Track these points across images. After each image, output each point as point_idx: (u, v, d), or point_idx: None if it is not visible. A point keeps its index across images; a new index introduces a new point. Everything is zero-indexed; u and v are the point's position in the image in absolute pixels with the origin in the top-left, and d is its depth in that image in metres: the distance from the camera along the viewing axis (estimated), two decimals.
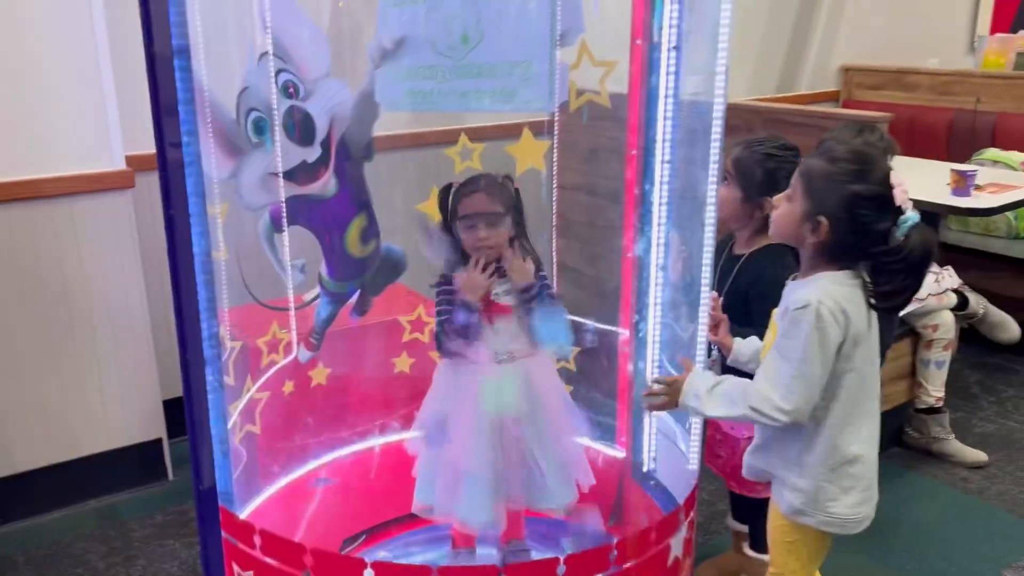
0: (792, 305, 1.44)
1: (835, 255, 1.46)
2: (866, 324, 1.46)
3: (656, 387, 1.60)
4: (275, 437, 2.10)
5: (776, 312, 1.54)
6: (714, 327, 1.76)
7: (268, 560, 1.55)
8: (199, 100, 1.56)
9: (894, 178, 1.41)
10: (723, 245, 2.04)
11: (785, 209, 1.50)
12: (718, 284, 2.06)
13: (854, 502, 1.52)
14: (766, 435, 1.58)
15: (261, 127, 1.83)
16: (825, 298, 1.41)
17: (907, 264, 1.39)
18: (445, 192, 1.83)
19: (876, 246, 1.41)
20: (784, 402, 1.43)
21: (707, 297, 1.87)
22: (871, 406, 1.53)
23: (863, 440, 1.51)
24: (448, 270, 1.85)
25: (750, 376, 1.54)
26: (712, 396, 1.50)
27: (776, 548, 1.62)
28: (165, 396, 2.68)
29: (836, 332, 1.42)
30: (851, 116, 2.78)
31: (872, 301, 1.46)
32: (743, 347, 1.72)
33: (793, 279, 1.53)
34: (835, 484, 1.50)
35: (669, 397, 1.56)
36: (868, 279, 1.46)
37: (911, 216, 1.40)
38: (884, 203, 1.40)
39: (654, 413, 1.64)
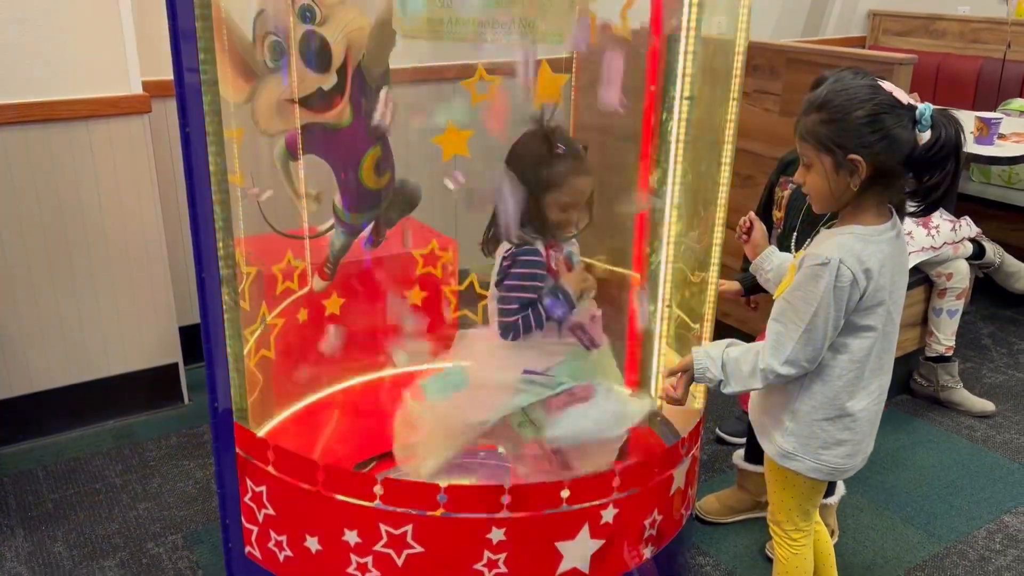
0: (812, 260, 1.42)
1: (881, 184, 1.40)
2: (889, 281, 1.43)
3: (670, 382, 1.60)
4: (289, 363, 2.14)
5: (798, 257, 1.52)
6: (746, 233, 1.74)
7: (281, 476, 1.60)
8: (215, 20, 1.55)
9: (883, 84, 1.38)
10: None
11: (813, 178, 1.44)
12: (789, 213, 2.06)
13: (845, 453, 1.52)
14: None
15: (277, 51, 1.83)
16: (847, 256, 1.39)
17: (947, 148, 1.35)
18: (541, 142, 1.64)
19: (913, 149, 1.36)
20: (785, 367, 1.44)
21: (720, 239, 1.88)
22: (886, 362, 1.52)
23: (869, 395, 1.50)
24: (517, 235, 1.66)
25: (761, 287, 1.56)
26: (725, 375, 1.51)
27: (771, 487, 1.64)
28: (181, 323, 2.72)
29: (854, 292, 1.40)
30: (875, 57, 2.72)
31: (918, 209, 1.42)
32: (771, 256, 1.70)
33: (830, 227, 1.49)
34: (829, 434, 1.51)
35: (684, 385, 1.57)
36: (909, 195, 1.42)
37: (925, 106, 1.36)
38: (894, 107, 1.36)
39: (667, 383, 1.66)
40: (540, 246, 1.67)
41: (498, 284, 1.69)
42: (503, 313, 1.67)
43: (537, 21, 1.79)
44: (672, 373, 1.60)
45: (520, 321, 1.66)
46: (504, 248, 1.69)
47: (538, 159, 1.64)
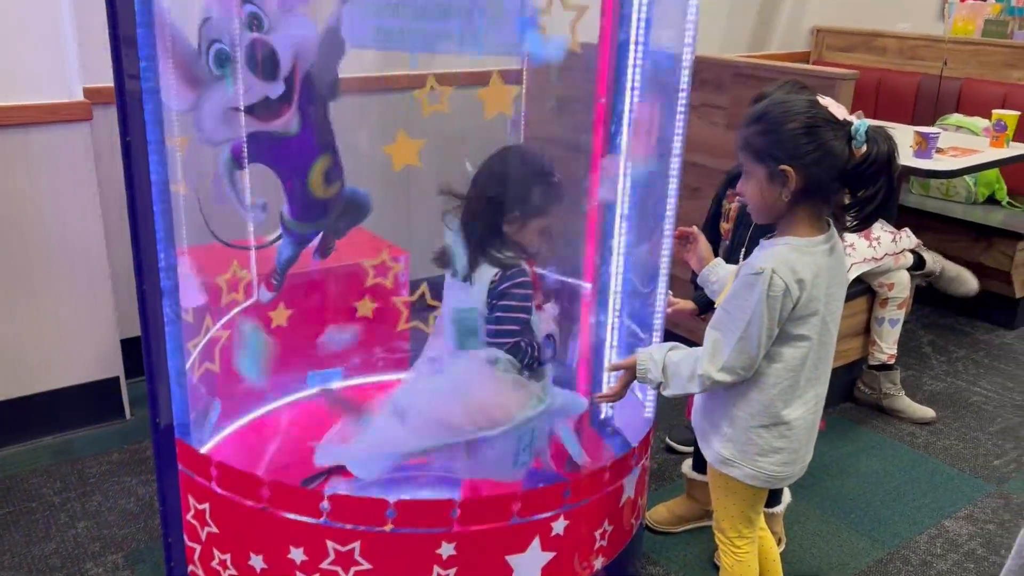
0: (747, 269, 1.45)
1: (814, 196, 1.42)
2: (824, 292, 1.46)
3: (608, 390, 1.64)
4: (234, 376, 2.10)
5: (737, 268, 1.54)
6: (680, 239, 1.78)
7: (224, 493, 1.56)
8: (159, 28, 1.52)
9: (821, 99, 1.41)
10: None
11: (750, 188, 1.46)
12: (738, 228, 2.08)
13: (782, 460, 1.54)
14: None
15: (223, 60, 1.79)
16: (780, 266, 1.41)
17: (879, 164, 1.38)
18: (530, 167, 1.72)
19: (846, 163, 1.39)
20: (721, 374, 1.46)
21: (668, 251, 1.89)
22: (821, 371, 1.54)
23: (805, 404, 1.52)
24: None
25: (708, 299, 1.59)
26: (665, 378, 1.54)
27: (714, 494, 1.66)
28: (123, 335, 2.65)
29: (787, 302, 1.42)
30: (819, 72, 2.79)
31: (853, 224, 1.45)
32: (717, 268, 1.74)
33: (768, 238, 1.51)
34: (765, 441, 1.52)
35: (623, 383, 1.61)
36: (844, 209, 1.44)
37: (861, 122, 1.39)
38: (829, 121, 1.39)
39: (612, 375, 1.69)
40: (525, 266, 1.69)
41: (492, 307, 1.69)
42: (505, 334, 1.68)
43: (488, 32, 1.79)
44: (615, 369, 1.63)
45: (524, 344, 1.69)
46: (490, 272, 1.68)
47: (528, 184, 1.69)
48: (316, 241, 2.09)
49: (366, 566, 1.51)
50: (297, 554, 1.52)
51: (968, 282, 3.18)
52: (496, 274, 1.67)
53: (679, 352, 1.54)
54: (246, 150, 1.91)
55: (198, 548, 1.66)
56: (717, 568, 2.06)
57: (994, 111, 3.27)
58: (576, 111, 2.23)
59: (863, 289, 2.79)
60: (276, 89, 1.83)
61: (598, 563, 1.73)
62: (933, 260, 3.05)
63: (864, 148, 1.38)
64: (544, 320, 1.78)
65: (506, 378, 1.70)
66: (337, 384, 2.28)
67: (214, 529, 1.61)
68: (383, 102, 2.80)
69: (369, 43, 1.83)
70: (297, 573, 1.54)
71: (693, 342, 1.57)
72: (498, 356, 1.68)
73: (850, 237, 2.57)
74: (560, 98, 2.33)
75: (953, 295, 3.24)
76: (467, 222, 1.73)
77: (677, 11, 1.79)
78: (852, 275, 2.68)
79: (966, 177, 3.64)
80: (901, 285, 2.78)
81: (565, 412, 1.78)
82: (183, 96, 1.76)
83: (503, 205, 1.69)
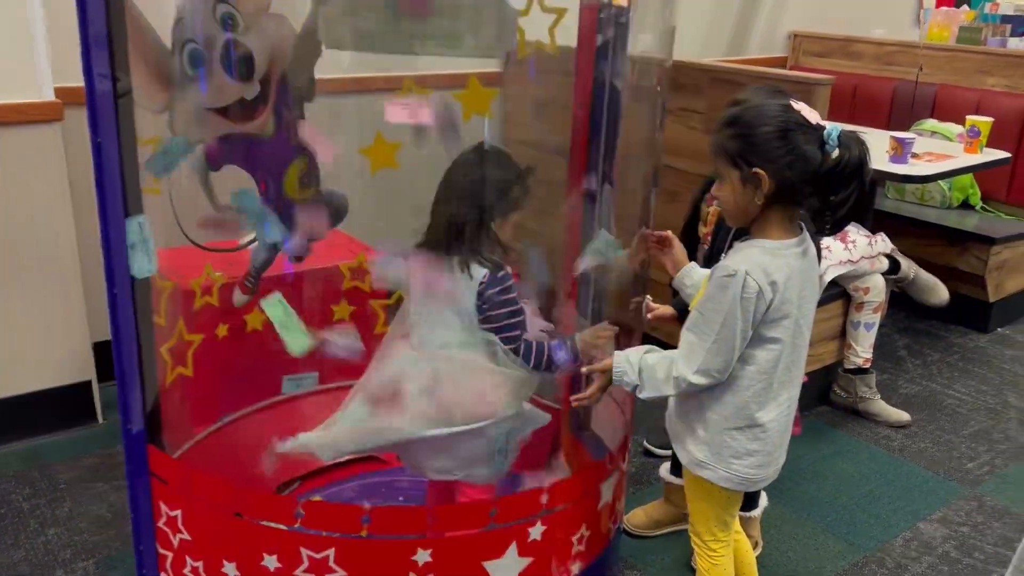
0: (720, 271, 1.45)
1: (786, 199, 1.43)
2: (797, 295, 1.46)
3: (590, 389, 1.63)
4: (208, 381, 2.07)
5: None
6: (659, 244, 1.78)
7: (197, 499, 1.54)
8: (132, 28, 1.49)
9: (794, 104, 1.42)
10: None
11: (724, 191, 1.47)
12: (718, 234, 2.07)
13: (756, 463, 1.54)
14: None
15: (197, 60, 1.77)
16: (753, 268, 1.41)
17: (851, 168, 1.39)
18: (523, 174, 1.70)
19: (819, 167, 1.39)
20: (696, 376, 1.46)
21: (647, 255, 1.89)
22: (794, 374, 1.54)
23: (779, 406, 1.53)
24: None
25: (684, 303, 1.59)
26: (641, 381, 1.53)
27: (689, 497, 1.66)
28: (96, 338, 2.61)
29: (760, 303, 1.42)
30: (796, 77, 2.80)
31: (827, 228, 1.46)
32: (691, 272, 1.75)
33: (741, 241, 1.52)
34: (739, 443, 1.52)
35: (599, 385, 1.60)
36: (817, 213, 1.45)
37: (833, 127, 1.40)
38: (801, 125, 1.39)
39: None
40: (508, 268, 1.68)
41: (485, 311, 1.66)
42: (513, 340, 1.67)
43: (466, 35, 1.78)
44: (591, 372, 1.62)
45: (533, 345, 1.68)
46: (480, 272, 1.66)
47: (509, 180, 1.67)
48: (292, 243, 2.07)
49: (341, 573, 1.49)
50: (271, 561, 1.50)
51: (940, 292, 3.20)
52: (485, 275, 1.66)
53: (655, 355, 1.54)
54: (220, 152, 1.89)
55: (170, 555, 1.63)
56: (694, 572, 2.06)
57: (968, 117, 3.30)
58: (555, 114, 2.23)
59: (839, 293, 2.81)
60: (251, 90, 1.81)
61: (576, 568, 1.72)
62: (907, 266, 3.07)
63: (836, 152, 1.39)
64: (535, 323, 1.75)
65: (493, 372, 1.69)
66: (312, 388, 2.26)
67: (186, 536, 1.58)
68: (360, 104, 2.78)
69: (346, 45, 1.82)
70: None
71: (670, 346, 1.56)
72: (495, 346, 1.67)
73: (826, 240, 2.58)
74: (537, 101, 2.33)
75: (924, 304, 3.25)
76: (452, 223, 1.70)
77: (656, 15, 1.80)
78: (828, 278, 2.70)
79: (941, 182, 3.68)
80: (876, 289, 2.80)
81: (528, 424, 1.76)
82: (156, 96, 1.74)
83: (489, 204, 1.67)
